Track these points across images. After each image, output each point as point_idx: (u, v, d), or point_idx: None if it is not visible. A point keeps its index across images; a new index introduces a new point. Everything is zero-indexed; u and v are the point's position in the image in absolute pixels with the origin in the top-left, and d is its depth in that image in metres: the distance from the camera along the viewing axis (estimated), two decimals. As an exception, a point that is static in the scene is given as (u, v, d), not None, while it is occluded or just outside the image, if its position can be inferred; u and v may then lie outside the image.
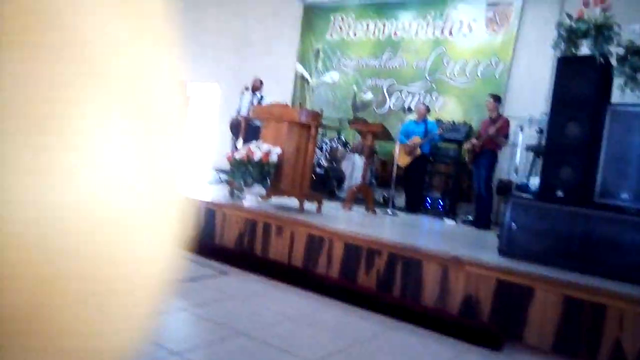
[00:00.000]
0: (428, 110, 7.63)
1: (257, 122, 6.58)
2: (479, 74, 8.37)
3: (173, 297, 3.03)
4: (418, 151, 7.24)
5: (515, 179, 6.70)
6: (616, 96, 3.80)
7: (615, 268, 3.29)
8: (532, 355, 2.88)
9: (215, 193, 5.52)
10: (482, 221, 6.42)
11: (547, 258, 3.49)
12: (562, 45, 3.80)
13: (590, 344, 2.83)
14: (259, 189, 4.77)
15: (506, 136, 6.57)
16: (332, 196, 7.32)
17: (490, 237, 4.81)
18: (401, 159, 7.22)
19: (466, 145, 6.78)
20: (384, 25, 9.43)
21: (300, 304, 3.28)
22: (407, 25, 9.16)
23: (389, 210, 6.36)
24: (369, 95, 9.49)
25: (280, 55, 10.50)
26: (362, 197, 6.43)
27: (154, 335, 2.39)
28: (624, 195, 3.51)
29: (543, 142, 5.05)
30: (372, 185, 7.55)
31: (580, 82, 3.70)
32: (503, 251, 3.71)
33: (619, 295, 2.82)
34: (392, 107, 9.22)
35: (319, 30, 10.21)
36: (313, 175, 6.51)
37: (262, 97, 8.31)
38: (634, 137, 3.52)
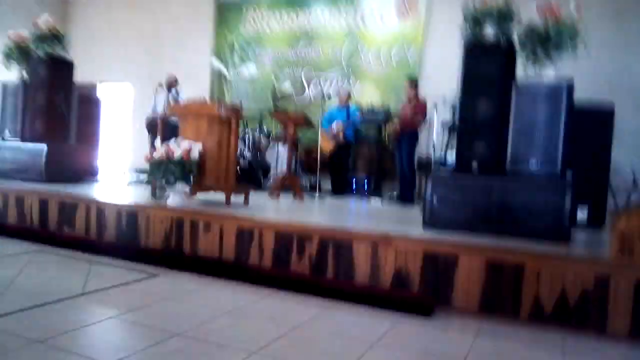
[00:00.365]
0: (349, 95, 7.74)
1: (175, 120, 6.39)
2: (393, 60, 8.60)
3: (99, 306, 2.90)
4: (341, 136, 7.35)
5: (434, 154, 6.97)
6: (520, 73, 4.03)
7: (530, 229, 3.53)
8: (460, 317, 3.03)
9: (136, 195, 5.31)
10: (406, 198, 6.66)
11: (469, 226, 3.68)
12: (469, 30, 3.98)
13: (513, 301, 3.02)
14: (182, 187, 4.63)
15: (424, 116, 6.83)
16: (259, 187, 7.27)
17: (415, 213, 4.99)
18: (325, 145, 7.30)
19: (389, 129, 6.98)
20: (297, 16, 9.43)
21: (235, 297, 3.24)
22: (320, 15, 9.22)
23: (316, 195, 6.42)
24: (287, 85, 9.48)
25: (195, 51, 10.23)
26: (289, 186, 6.44)
27: (82, 347, 2.27)
28: (532, 162, 3.76)
29: (456, 118, 5.28)
30: (297, 173, 7.58)
31: (486, 61, 3.91)
32: (427, 224, 3.86)
33: (535, 253, 3.03)
34: (311, 95, 9.27)
35: (233, 24, 10.03)
36: (238, 168, 6.42)
37: (178, 94, 8.07)
38: (537, 108, 3.77)
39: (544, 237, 3.43)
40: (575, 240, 3.64)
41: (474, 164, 3.88)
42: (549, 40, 3.74)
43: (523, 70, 3.95)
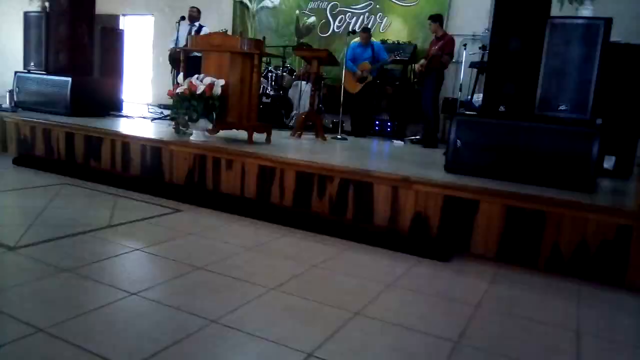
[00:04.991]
0: (369, 33, 7.49)
1: (197, 54, 6.31)
2: (422, -8, 8.24)
3: (125, 239, 3.00)
4: (369, 77, 7.20)
5: (460, 96, 6.80)
6: (555, 9, 3.83)
7: (554, 177, 3.47)
8: (477, 263, 3.06)
9: (160, 130, 5.35)
10: (429, 140, 6.57)
11: (492, 172, 3.63)
12: None
13: (531, 249, 3.02)
14: (205, 123, 4.64)
15: (450, 54, 6.60)
16: (281, 125, 7.25)
17: (438, 156, 4.94)
18: (351, 86, 7.15)
19: (417, 67, 6.78)
20: (325, -56, 9.01)
21: (256, 234, 3.32)
22: (348, -59, 8.79)
23: (338, 136, 6.38)
24: (312, 19, 9.21)
25: (217, -19, 9.94)
26: (311, 124, 6.40)
27: (108, 277, 2.37)
28: (563, 107, 3.63)
29: (486, 58, 5.09)
30: (320, 112, 7.50)
31: (520, -1, 3.71)
32: (449, 168, 3.83)
33: (557, 201, 2.99)
34: (336, 29, 9.01)
35: (256, -49, 9.66)
36: (260, 105, 6.38)
37: (200, 26, 7.91)
38: (571, 49, 3.59)
39: (569, 186, 3.38)
40: (600, 190, 3.58)
41: (501, 107, 3.77)
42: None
43: (559, 9, 3.76)
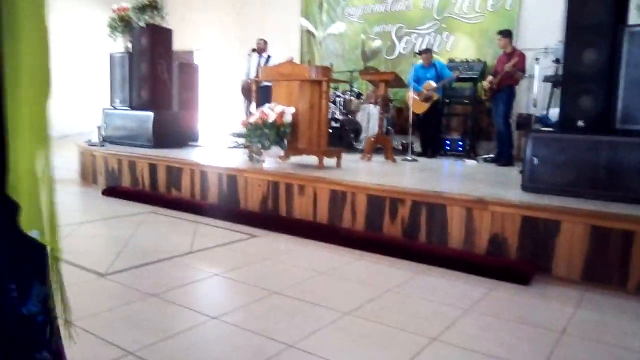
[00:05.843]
0: (431, 53, 7.43)
1: (268, 84, 6.55)
2: (489, 8, 8.10)
3: (205, 264, 3.13)
4: (435, 96, 7.14)
5: (534, 112, 6.56)
6: (633, 17, 3.64)
7: (639, 192, 3.25)
8: (561, 286, 2.91)
9: (236, 158, 5.57)
10: (504, 158, 6.38)
11: (573, 190, 3.47)
12: None
13: (620, 271, 2.84)
14: (277, 150, 4.78)
15: (523, 70, 6.42)
16: (351, 148, 7.31)
17: (514, 174, 4.78)
18: (418, 107, 7.11)
19: (485, 84, 6.64)
20: (386, -34, 9.12)
21: (329, 259, 3.35)
22: (410, -38, 8.84)
23: (408, 157, 6.34)
24: (377, 43, 9.29)
25: (284, 12, 10.31)
26: (381, 147, 6.41)
27: (191, 302, 2.48)
28: (647, 119, 3.42)
29: (560, 72, 4.90)
30: (389, 134, 7.50)
31: (594, 5, 3.56)
32: (526, 187, 3.69)
33: (647, 220, 2.80)
34: (402, 51, 9.02)
35: (320, -20, 9.94)
36: (329, 130, 6.49)
37: (269, 57, 8.22)
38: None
39: (658, 202, 3.16)
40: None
41: (580, 122, 3.61)
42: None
43: (637, 15, 3.57)
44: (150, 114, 6.30)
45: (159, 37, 6.58)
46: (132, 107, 6.61)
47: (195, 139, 7.12)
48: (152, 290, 2.59)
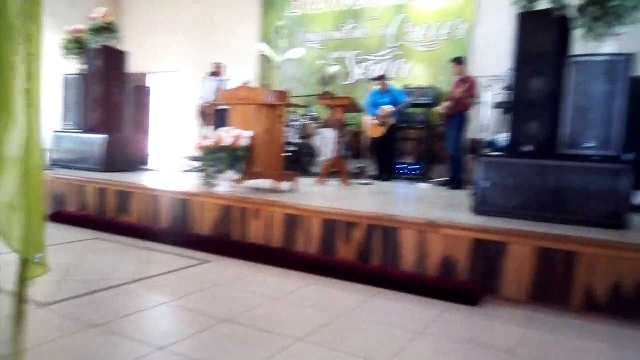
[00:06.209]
0: (385, 79, 7.60)
1: (225, 107, 6.51)
2: (443, 36, 8.39)
3: (153, 292, 3.02)
4: (391, 121, 7.27)
5: (485, 136, 6.77)
6: (580, 47, 3.82)
7: (586, 215, 3.38)
8: (510, 306, 2.96)
9: (189, 182, 5.46)
10: (455, 182, 6.52)
11: (521, 212, 3.57)
12: (522, 1, 3.81)
13: (564, 291, 2.91)
14: (232, 174, 4.73)
15: (474, 96, 6.63)
16: (306, 172, 7.32)
17: (464, 198, 4.88)
18: (374, 131, 7.22)
19: (441, 110, 6.82)
20: (344, -6, 9.34)
21: (282, 284, 3.30)
22: (367, -10, 9.08)
23: (363, 180, 6.39)
24: (335, 68, 9.43)
25: (243, 36, 10.36)
26: (336, 170, 6.45)
27: (136, 332, 2.38)
28: (590, 144, 3.57)
29: (510, 98, 5.08)
30: (346, 157, 7.56)
31: (540, 37, 3.74)
32: (477, 210, 3.77)
33: (589, 241, 2.90)
34: (359, 77, 9.18)
35: (279, 6, 10.06)
36: (285, 154, 6.48)
37: (227, 80, 8.20)
38: (595, 86, 3.57)
39: (600, 224, 3.28)
40: (633, 227, 3.46)
41: (524, 147, 3.73)
42: (608, 10, 3.51)
43: (581, 47, 3.75)
44: (100, 137, 6.14)
45: (114, 59, 6.47)
46: (84, 130, 6.43)
47: (144, 162, 6.97)
48: (95, 321, 2.47)
